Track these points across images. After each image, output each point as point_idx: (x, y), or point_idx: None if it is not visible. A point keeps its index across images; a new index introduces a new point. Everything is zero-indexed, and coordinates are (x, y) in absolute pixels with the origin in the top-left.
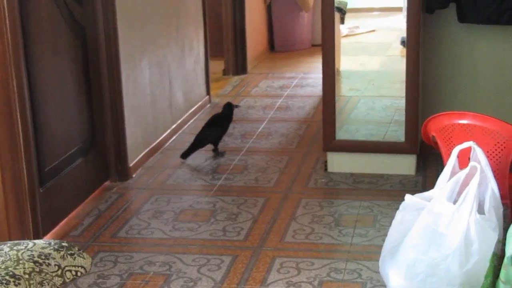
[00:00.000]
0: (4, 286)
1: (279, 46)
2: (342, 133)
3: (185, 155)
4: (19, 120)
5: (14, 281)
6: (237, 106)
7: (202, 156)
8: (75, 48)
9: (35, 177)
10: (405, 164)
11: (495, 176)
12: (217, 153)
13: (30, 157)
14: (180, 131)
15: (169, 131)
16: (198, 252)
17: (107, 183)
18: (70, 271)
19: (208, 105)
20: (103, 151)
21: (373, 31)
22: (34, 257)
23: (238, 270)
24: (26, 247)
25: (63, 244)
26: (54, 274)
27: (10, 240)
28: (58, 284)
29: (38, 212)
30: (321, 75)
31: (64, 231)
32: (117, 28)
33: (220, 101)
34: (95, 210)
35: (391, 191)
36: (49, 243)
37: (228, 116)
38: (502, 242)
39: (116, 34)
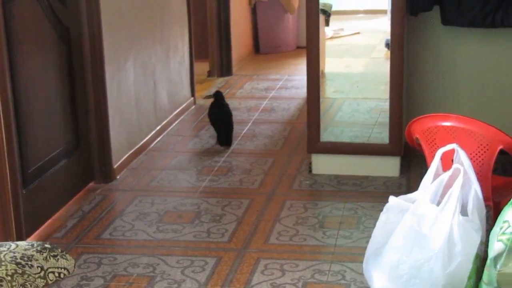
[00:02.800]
0: None
1: (264, 48)
2: (327, 135)
3: (225, 142)
4: (2, 121)
5: None
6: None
7: (186, 158)
8: (59, 48)
9: (19, 178)
10: (389, 166)
11: (478, 178)
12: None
13: (13, 158)
14: (165, 133)
15: (153, 132)
16: (182, 253)
17: (91, 184)
18: (53, 272)
19: (193, 107)
20: (87, 153)
21: (358, 33)
22: (17, 258)
23: (222, 272)
24: (8, 248)
25: (46, 245)
26: (36, 275)
27: None
28: (41, 286)
29: (21, 214)
30: (305, 77)
31: (47, 233)
32: (101, 28)
33: (204, 103)
34: (78, 212)
35: (375, 193)
36: (32, 245)
37: (223, 102)
38: (485, 243)
39: (100, 35)
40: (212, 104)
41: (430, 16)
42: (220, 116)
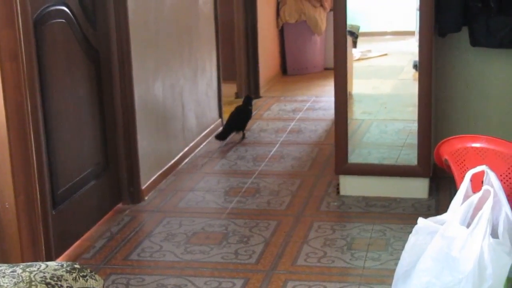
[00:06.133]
0: None
1: (291, 70)
2: (355, 156)
3: (221, 137)
4: (33, 142)
5: None
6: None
7: (214, 179)
8: (88, 70)
9: (48, 199)
10: (418, 188)
11: (508, 200)
12: (243, 137)
13: (43, 179)
14: (192, 154)
15: (181, 153)
16: (210, 275)
17: (119, 205)
18: None
19: (221, 128)
20: (115, 174)
21: (386, 54)
22: (47, 278)
23: None
24: (38, 268)
25: (75, 266)
26: None
27: (23, 262)
28: None
29: (50, 234)
30: (333, 98)
31: (76, 254)
32: (130, 50)
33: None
34: (107, 233)
35: (404, 215)
36: (62, 265)
37: (249, 107)
38: None
39: (129, 57)
40: (238, 107)
41: (458, 37)
42: (237, 117)
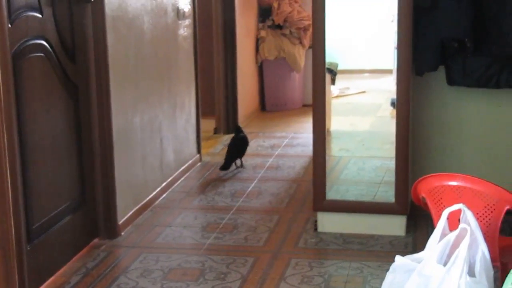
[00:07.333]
0: None
1: (270, 106)
2: (333, 193)
3: (224, 167)
4: (8, 176)
5: None
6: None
7: (192, 215)
8: (67, 105)
9: (23, 234)
10: (395, 225)
11: (485, 239)
12: (241, 165)
13: (18, 213)
14: (170, 190)
15: (159, 189)
16: None
17: (95, 240)
18: None
19: (199, 164)
20: (92, 209)
21: (364, 92)
22: None
23: None
24: None
25: None
26: None
27: None
28: None
29: (25, 270)
30: (311, 135)
31: None
32: (109, 85)
33: (210, 160)
34: (82, 268)
35: (381, 252)
36: None
37: (241, 134)
38: None
39: (108, 92)
40: (233, 137)
41: (435, 76)
42: (236, 144)
